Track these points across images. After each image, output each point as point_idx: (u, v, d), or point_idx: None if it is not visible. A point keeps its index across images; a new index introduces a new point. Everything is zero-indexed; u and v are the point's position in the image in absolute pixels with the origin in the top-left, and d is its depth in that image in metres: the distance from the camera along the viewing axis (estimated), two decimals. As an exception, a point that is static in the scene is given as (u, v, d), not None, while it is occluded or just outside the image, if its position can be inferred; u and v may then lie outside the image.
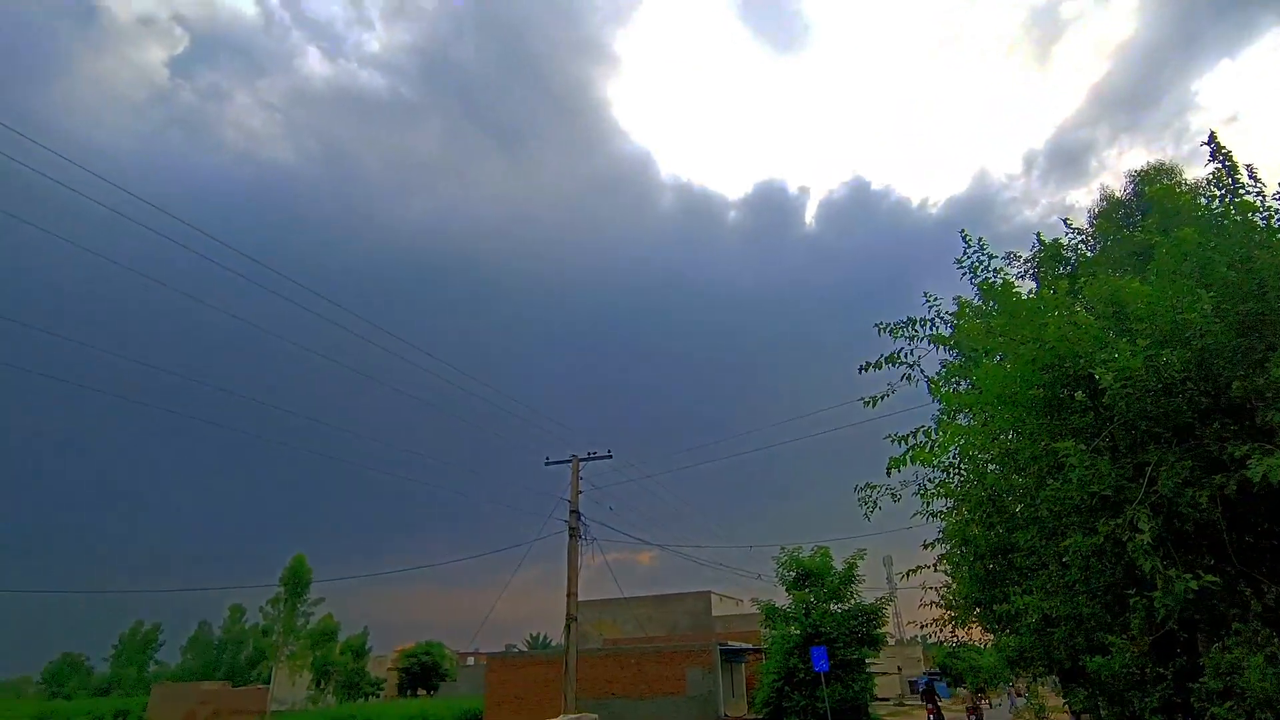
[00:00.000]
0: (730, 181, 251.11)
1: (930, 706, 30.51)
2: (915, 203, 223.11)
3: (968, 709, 32.65)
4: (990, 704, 52.15)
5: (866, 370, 7.65)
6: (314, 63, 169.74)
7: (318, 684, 56.83)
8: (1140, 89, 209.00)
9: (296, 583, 56.48)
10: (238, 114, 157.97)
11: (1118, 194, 14.20)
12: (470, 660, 61.94)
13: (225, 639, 66.18)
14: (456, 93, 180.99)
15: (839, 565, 26.80)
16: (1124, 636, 6.02)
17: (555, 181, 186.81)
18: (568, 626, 20.32)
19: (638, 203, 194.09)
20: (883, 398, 7.53)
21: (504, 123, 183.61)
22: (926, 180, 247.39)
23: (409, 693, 60.69)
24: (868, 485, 7.95)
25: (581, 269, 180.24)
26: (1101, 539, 5.21)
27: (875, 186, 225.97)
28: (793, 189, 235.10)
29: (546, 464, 21.78)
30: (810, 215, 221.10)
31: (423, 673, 61.22)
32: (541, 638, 69.58)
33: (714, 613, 45.81)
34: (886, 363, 7.57)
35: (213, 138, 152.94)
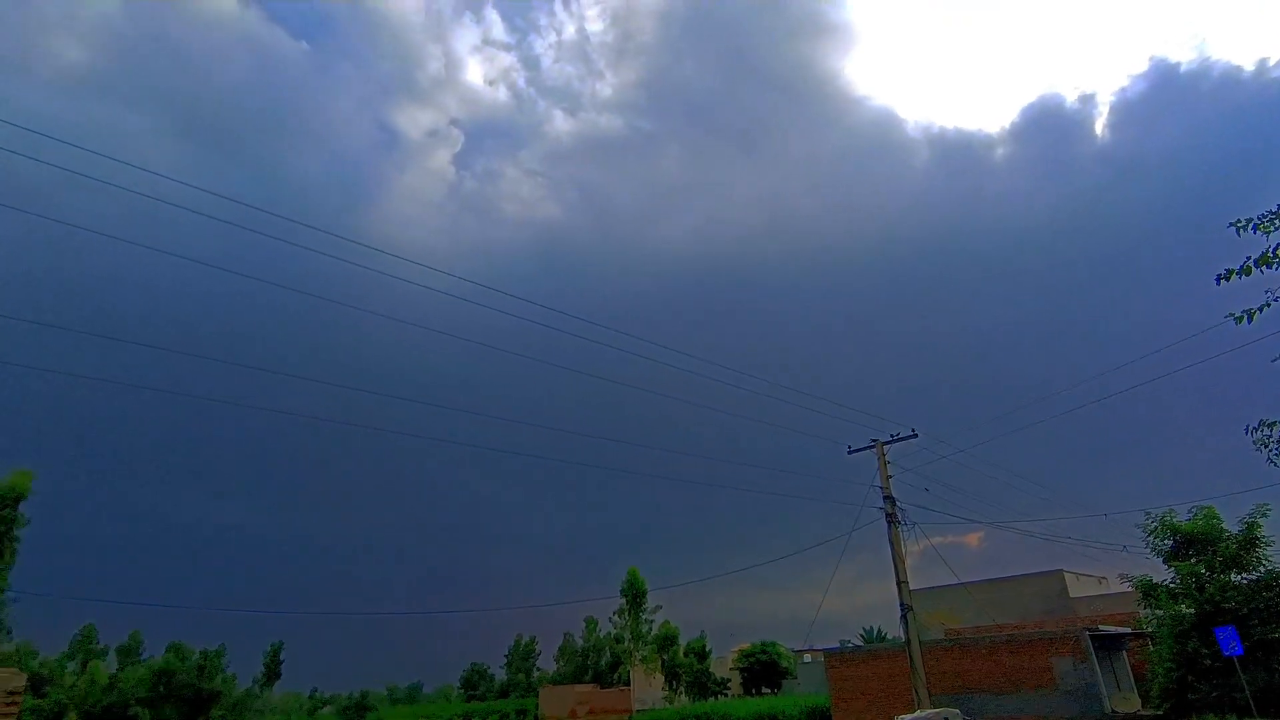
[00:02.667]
0: (990, 114, 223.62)
1: None
2: (1250, 68, 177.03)
3: None
4: None
5: (1229, 279, 6.25)
6: (560, 123, 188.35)
7: (669, 684, 61.29)
8: None
9: (635, 593, 61.89)
10: (510, 187, 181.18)
11: None
12: (807, 657, 62.09)
13: (587, 647, 74.59)
14: (687, 111, 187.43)
15: (1233, 527, 22.03)
16: None
17: (802, 170, 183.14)
18: (904, 617, 19.45)
19: (890, 165, 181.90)
20: (1261, 310, 6.11)
21: (739, 127, 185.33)
22: (1262, 35, 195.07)
23: (753, 691, 62.63)
24: (1266, 424, 6.45)
25: (846, 249, 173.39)
26: None
27: (1185, 65, 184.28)
28: (1071, 100, 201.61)
29: (849, 452, 21.23)
30: (1100, 125, 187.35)
31: (763, 671, 62.76)
32: (876, 631, 67.30)
33: (1071, 594, 40.42)
34: (1256, 267, 6.12)
35: (496, 213, 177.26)
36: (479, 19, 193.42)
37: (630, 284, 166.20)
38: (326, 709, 74.93)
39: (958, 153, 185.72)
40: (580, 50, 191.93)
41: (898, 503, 19.79)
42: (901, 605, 19.49)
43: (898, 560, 19.42)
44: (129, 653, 56.34)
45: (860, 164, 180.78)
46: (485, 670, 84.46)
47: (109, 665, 53.93)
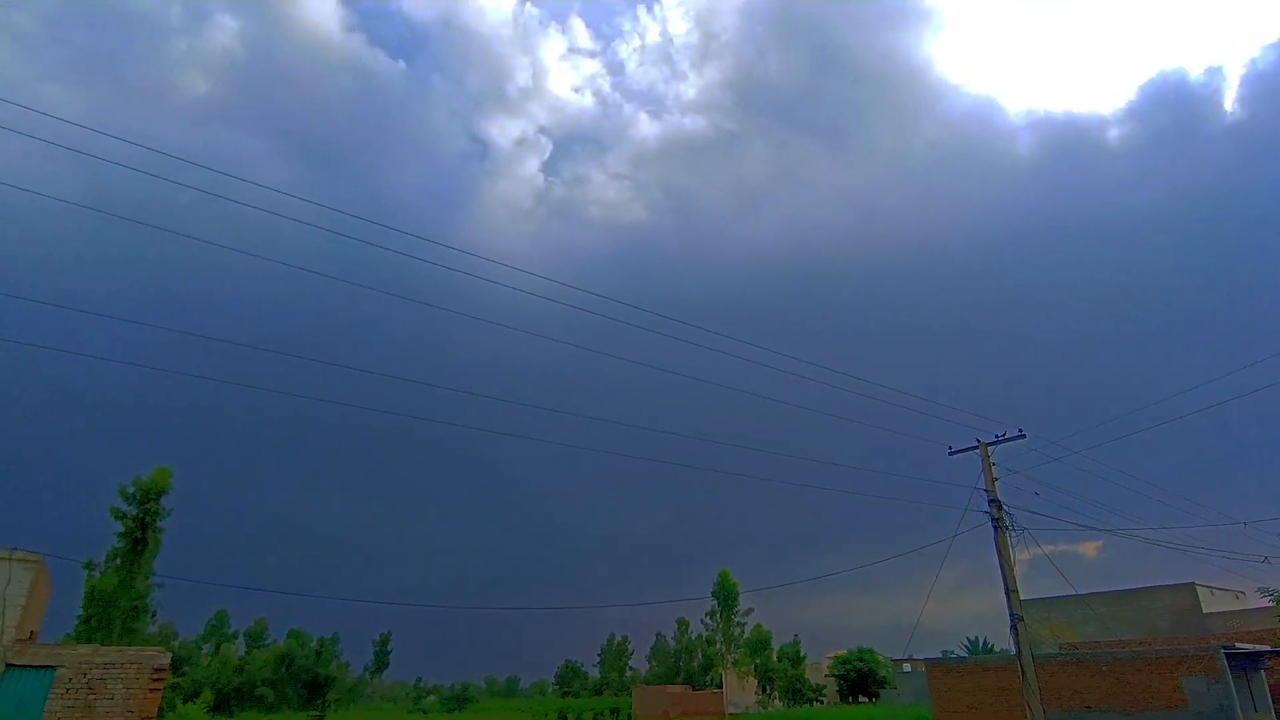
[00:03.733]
0: (1103, 94, 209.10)
1: None
2: None
3: None
4: None
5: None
6: (645, 127, 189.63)
7: (763, 689, 60.47)
8: None
9: (726, 595, 61.48)
10: (597, 192, 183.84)
11: None
12: (906, 667, 59.88)
13: (679, 648, 74.65)
14: (772, 109, 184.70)
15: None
16: None
17: (892, 164, 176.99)
18: (1014, 628, 18.44)
19: (989, 154, 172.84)
20: None
21: (825, 123, 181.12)
22: None
23: (850, 699, 60.93)
24: None
25: (941, 243, 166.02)
26: None
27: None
28: (1196, 74, 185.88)
29: (950, 453, 20.35)
30: (1230, 100, 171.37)
31: (859, 679, 60.99)
32: (981, 642, 64.07)
33: (1204, 609, 37.20)
34: None
35: (583, 217, 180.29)
36: (564, 28, 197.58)
37: (716, 284, 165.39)
38: (430, 699, 78.38)
39: (1066, 137, 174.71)
40: (664, 53, 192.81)
41: (1005, 507, 18.80)
42: (1011, 615, 18.49)
43: (1006, 568, 18.44)
44: (255, 638, 60.74)
45: (956, 155, 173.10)
46: (579, 668, 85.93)
47: (238, 649, 58.32)
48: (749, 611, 62.32)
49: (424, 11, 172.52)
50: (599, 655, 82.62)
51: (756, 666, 60.58)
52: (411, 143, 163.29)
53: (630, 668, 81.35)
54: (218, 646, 56.46)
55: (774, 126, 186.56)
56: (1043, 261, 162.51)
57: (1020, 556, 18.71)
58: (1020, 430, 19.58)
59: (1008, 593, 18.50)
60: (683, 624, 74.79)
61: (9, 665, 15.67)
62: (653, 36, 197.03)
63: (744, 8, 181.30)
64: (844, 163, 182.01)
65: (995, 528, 18.61)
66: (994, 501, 18.82)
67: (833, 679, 63.91)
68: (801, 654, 65.00)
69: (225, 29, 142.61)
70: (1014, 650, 18.81)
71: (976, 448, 19.82)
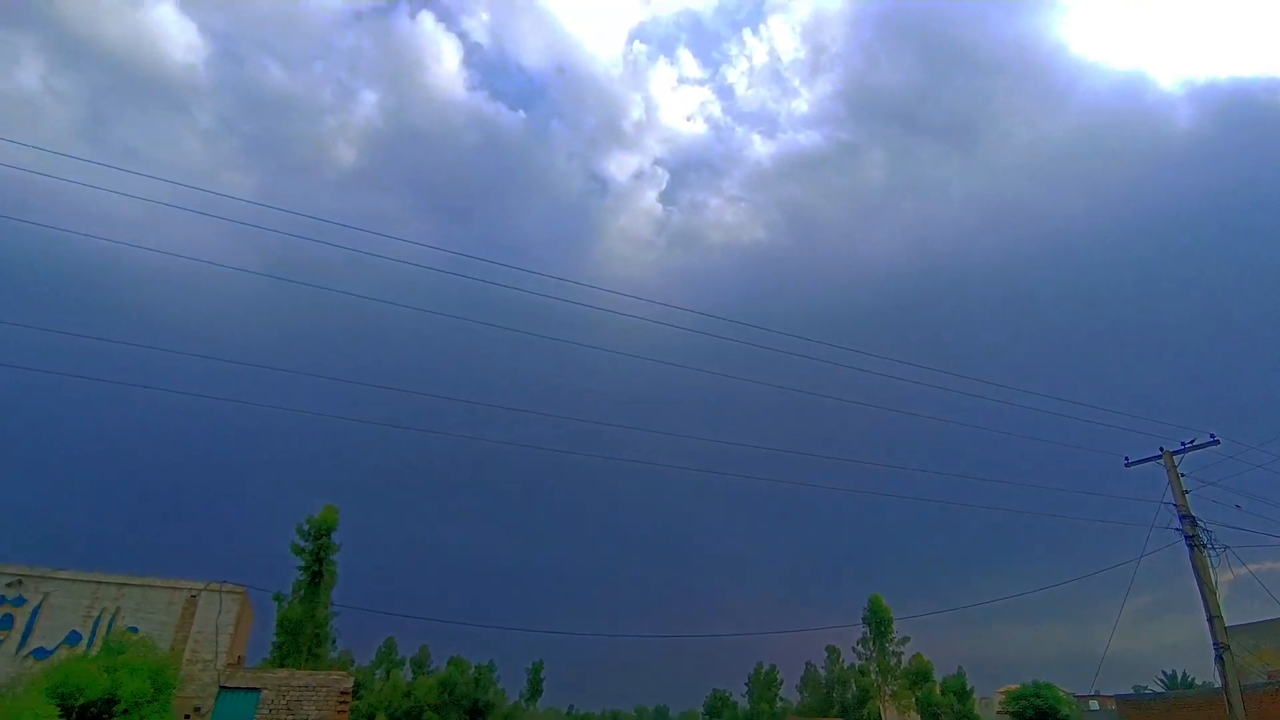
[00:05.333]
0: (1276, 54, 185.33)
1: None
2: None
3: None
4: None
5: None
6: (758, 147, 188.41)
7: (927, 724, 56.67)
8: None
9: (878, 622, 58.45)
10: (715, 216, 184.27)
11: None
12: (1094, 704, 54.12)
13: (831, 678, 71.58)
14: (889, 115, 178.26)
15: None
16: None
17: (1027, 156, 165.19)
18: (1219, 658, 16.29)
19: (1141, 132, 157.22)
20: None
21: (948, 122, 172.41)
22: None
23: (1028, 738, 55.78)
24: None
25: (1088, 235, 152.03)
26: None
27: None
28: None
29: (1127, 464, 18.46)
30: None
31: (1037, 717, 55.76)
32: (1180, 675, 56.80)
33: None
34: None
35: (703, 243, 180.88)
36: (673, 60, 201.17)
37: (841, 298, 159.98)
38: (583, 726, 79.83)
39: (1234, 104, 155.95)
40: (773, 72, 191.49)
41: (1200, 523, 16.75)
42: (1216, 644, 16.35)
43: (1207, 591, 16.36)
44: (420, 664, 64.47)
45: (1103, 137, 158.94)
46: (727, 697, 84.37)
47: (405, 674, 62.10)
48: (905, 640, 58.90)
49: (539, 61, 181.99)
50: (747, 684, 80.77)
51: (918, 700, 56.94)
52: (536, 186, 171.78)
53: (781, 698, 78.88)
54: (388, 672, 60.43)
55: (892, 133, 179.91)
56: (1219, 243, 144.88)
57: (1222, 578, 16.59)
58: (1213, 436, 17.46)
59: (1210, 619, 16.40)
60: (834, 652, 71.76)
61: (223, 687, 17.60)
62: (760, 57, 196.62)
63: (852, 17, 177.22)
64: (972, 161, 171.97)
65: (1190, 546, 16.62)
66: (1187, 517, 16.83)
67: (1006, 716, 58.86)
68: (968, 687, 60.43)
69: (367, 103, 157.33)
70: (1219, 682, 16.61)
71: (1159, 457, 17.87)
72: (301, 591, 32.36)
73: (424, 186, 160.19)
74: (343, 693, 18.52)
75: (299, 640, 31.72)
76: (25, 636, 16.51)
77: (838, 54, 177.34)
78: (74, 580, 17.27)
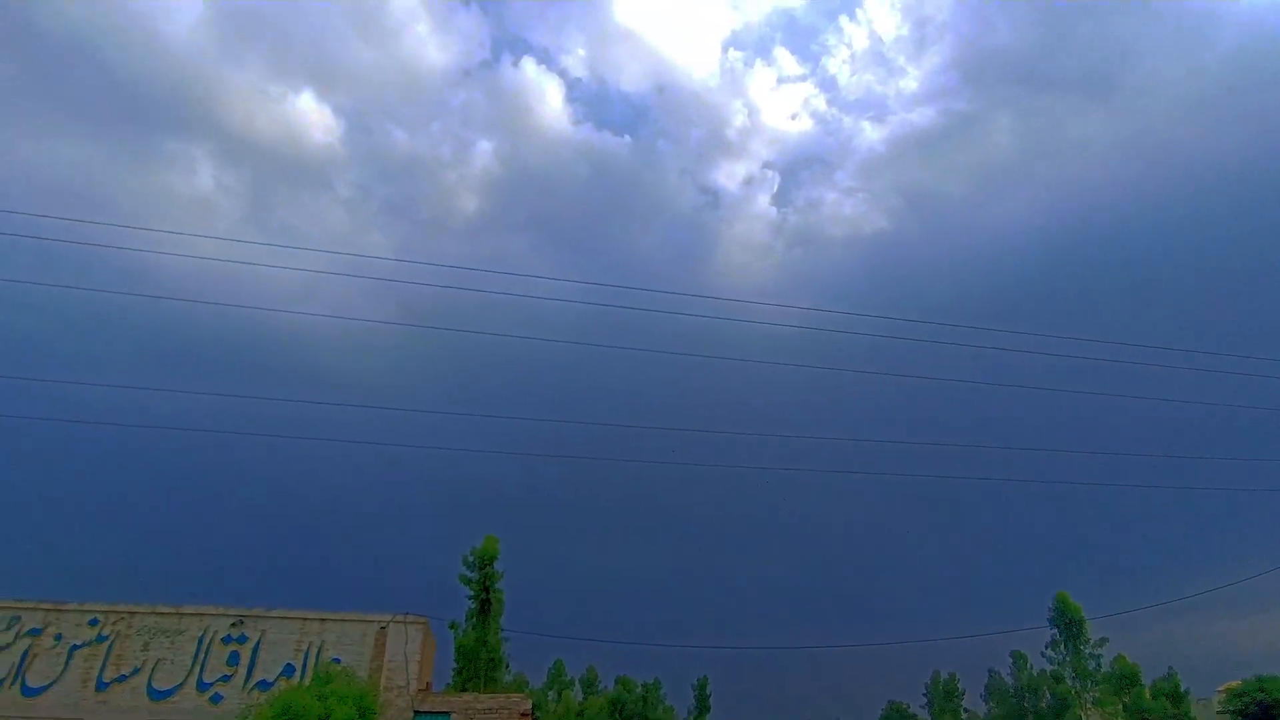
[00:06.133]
0: None
1: None
2: None
3: None
4: None
5: None
6: (869, 133, 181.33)
7: (1141, 733, 51.09)
8: None
9: (1069, 622, 53.53)
10: (832, 210, 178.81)
11: None
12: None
13: (1020, 685, 66.34)
14: (1010, 77, 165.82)
15: None
16: None
17: (1178, 94, 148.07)
18: None
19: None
20: None
21: (1080, 73, 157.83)
22: None
23: (1264, 744, 48.87)
24: None
25: (1264, 174, 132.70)
26: None
27: None
28: None
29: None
30: None
31: (1262, 714, 48.85)
32: None
33: None
34: None
35: (822, 238, 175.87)
36: (769, 61, 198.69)
37: (974, 276, 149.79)
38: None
39: None
40: (876, 55, 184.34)
41: None
42: None
43: None
44: (589, 684, 66.24)
45: (1268, 55, 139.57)
46: (905, 709, 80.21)
47: (576, 695, 63.98)
48: (1103, 642, 53.57)
49: (638, 85, 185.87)
50: (925, 694, 76.37)
51: (1125, 706, 51.52)
52: (649, 207, 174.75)
53: (965, 709, 73.94)
54: (560, 693, 62.48)
55: (1016, 95, 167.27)
56: None
57: None
58: None
59: None
60: (1020, 657, 66.50)
61: (416, 711, 18.93)
62: (860, 42, 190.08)
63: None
64: (1114, 111, 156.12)
65: None
66: None
67: (1227, 716, 52.00)
68: (1182, 689, 54.02)
69: (483, 153, 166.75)
70: None
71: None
72: (473, 619, 34.25)
73: (544, 223, 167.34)
74: (523, 714, 19.36)
75: (475, 666, 33.51)
76: (250, 670, 18.59)
77: (945, 23, 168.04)
78: (284, 618, 19.29)
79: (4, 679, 17.71)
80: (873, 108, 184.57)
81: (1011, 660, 67.99)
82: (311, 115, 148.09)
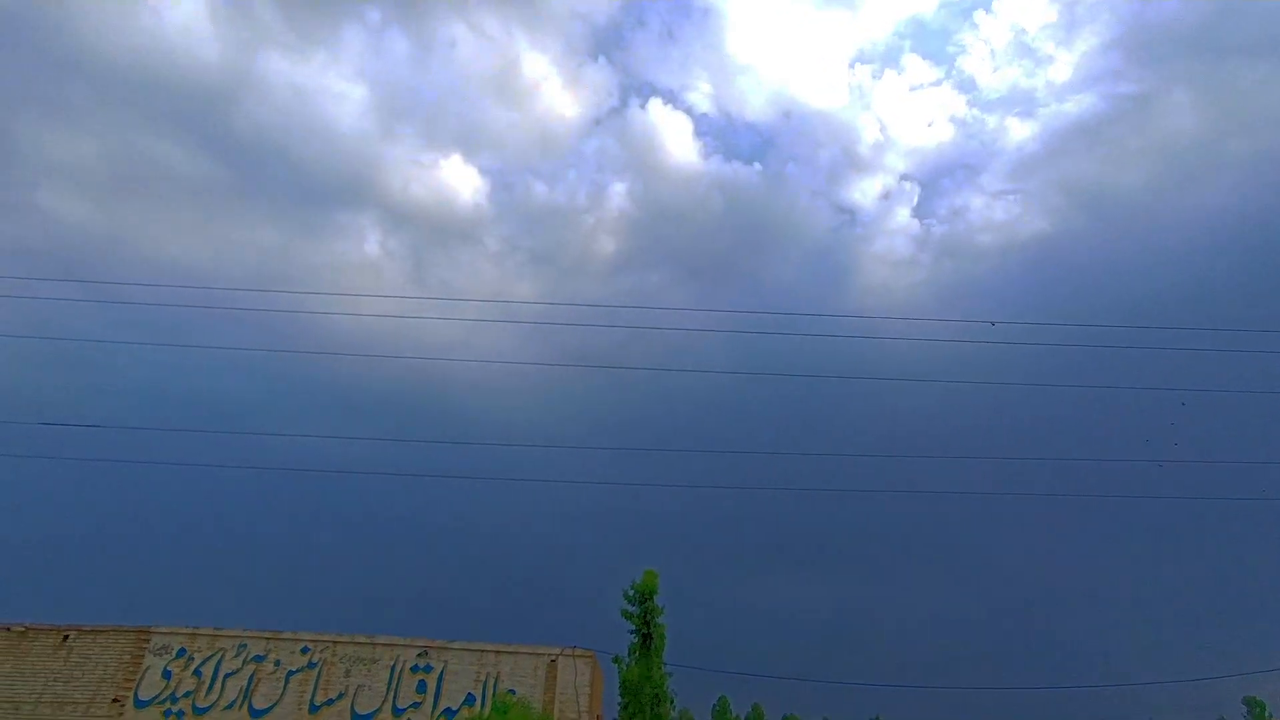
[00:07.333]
0: None
1: None
2: None
3: None
4: None
5: None
6: (1018, 131, 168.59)
7: None
8: None
9: (1316, 666, 45.56)
10: (980, 217, 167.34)
11: None
12: None
13: (1258, 738, 57.06)
14: (1187, 48, 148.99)
15: None
16: None
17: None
18: None
19: None
20: None
21: (1266, 31, 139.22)
22: None
23: None
24: None
25: None
26: None
27: None
28: None
29: None
30: None
31: None
32: None
33: None
34: None
35: (969, 248, 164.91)
36: (900, 69, 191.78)
37: (1161, 271, 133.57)
38: (938, 793, 72.57)
39: None
40: (1019, 47, 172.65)
41: None
42: None
43: None
44: (753, 722, 64.60)
45: None
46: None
47: (741, 733, 62.53)
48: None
49: (765, 113, 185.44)
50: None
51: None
52: (783, 232, 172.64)
53: (1189, 765, 64.50)
54: (725, 731, 61.38)
55: (1194, 67, 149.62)
56: None
57: None
58: None
59: None
60: (1256, 705, 57.25)
61: (590, 744, 19.29)
62: (1001, 36, 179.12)
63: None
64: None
65: None
66: None
67: None
68: None
69: (617, 194, 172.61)
70: None
71: None
72: (635, 654, 34.51)
73: (680, 258, 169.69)
74: (693, 750, 19.18)
75: (640, 700, 33.65)
76: (436, 698, 19.83)
77: (1097, 1, 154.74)
78: (465, 649, 20.47)
79: (235, 701, 20.00)
80: (1019, 103, 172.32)
81: (1246, 710, 58.69)
82: (460, 177, 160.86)
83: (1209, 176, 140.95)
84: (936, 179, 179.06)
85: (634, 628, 34.51)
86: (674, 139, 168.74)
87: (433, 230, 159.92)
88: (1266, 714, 55.74)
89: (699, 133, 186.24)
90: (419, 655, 20.43)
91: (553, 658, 20.47)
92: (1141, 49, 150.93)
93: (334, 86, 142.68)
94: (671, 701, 39.89)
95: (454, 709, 19.58)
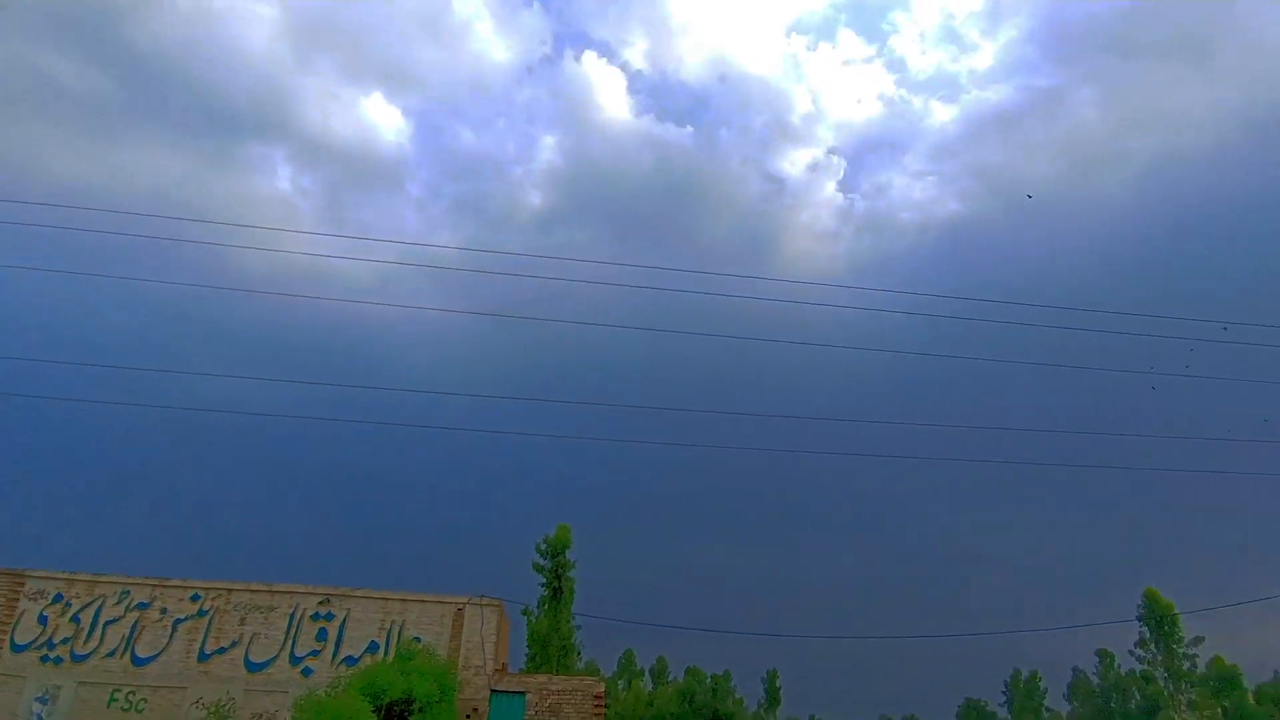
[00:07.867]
0: None
1: None
2: None
3: None
4: None
5: None
6: (940, 114, 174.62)
7: (1245, 739, 48.15)
8: None
9: (1159, 620, 50.84)
10: (901, 195, 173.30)
11: None
12: None
13: (1106, 685, 63.31)
14: (1097, 45, 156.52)
15: None
16: None
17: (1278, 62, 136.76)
18: None
19: None
20: None
21: (1175, 35, 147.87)
22: None
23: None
24: None
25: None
26: None
27: None
28: None
29: None
30: None
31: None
32: None
33: None
34: None
35: (893, 226, 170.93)
36: (834, 44, 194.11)
37: (1062, 257, 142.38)
38: (826, 736, 77.46)
39: None
40: (947, 31, 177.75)
41: None
42: None
43: None
44: (659, 675, 66.60)
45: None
46: (983, 706, 77.66)
47: (645, 685, 64.42)
48: (1198, 641, 50.71)
49: (700, 75, 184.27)
50: (1004, 692, 73.69)
51: (1225, 711, 48.59)
52: (713, 196, 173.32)
53: (1048, 709, 71.08)
54: (630, 682, 63.04)
55: (1103, 66, 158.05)
56: None
57: None
58: None
59: None
60: (1106, 656, 63.47)
61: (493, 690, 19.39)
62: (931, 19, 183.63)
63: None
64: (1215, 73, 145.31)
65: None
66: None
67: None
68: (1293, 694, 50.58)
69: (548, 147, 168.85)
70: None
71: None
72: (545, 606, 34.84)
73: (608, 215, 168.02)
74: (596, 696, 19.58)
75: (548, 651, 34.11)
76: (337, 646, 19.41)
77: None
78: (368, 597, 20.05)
79: (116, 649, 18.98)
80: (944, 87, 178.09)
81: (1097, 659, 65.01)
82: (382, 116, 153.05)
83: (1111, 171, 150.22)
84: (862, 155, 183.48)
85: (544, 580, 34.79)
86: (607, 95, 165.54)
87: (351, 170, 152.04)
88: (1115, 664, 61.87)
89: (632, 90, 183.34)
90: (320, 603, 19.88)
91: (459, 606, 20.33)
92: (1058, 44, 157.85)
93: (243, 5, 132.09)
94: (578, 653, 40.64)
95: (355, 657, 19.23)
